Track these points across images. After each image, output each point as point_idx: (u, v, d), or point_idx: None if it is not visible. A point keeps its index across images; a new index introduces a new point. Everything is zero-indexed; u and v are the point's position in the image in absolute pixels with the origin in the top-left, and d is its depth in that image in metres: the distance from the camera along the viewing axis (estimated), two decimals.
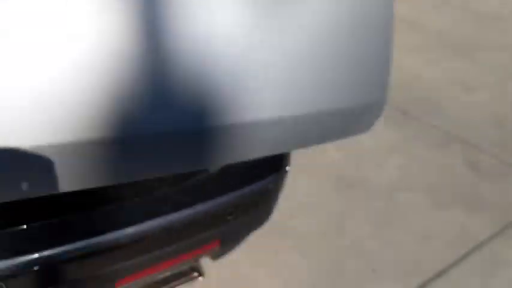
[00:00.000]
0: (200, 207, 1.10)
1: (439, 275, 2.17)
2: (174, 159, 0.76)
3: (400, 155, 2.96)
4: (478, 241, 2.37)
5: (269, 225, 2.28)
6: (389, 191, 2.63)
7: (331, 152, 2.92)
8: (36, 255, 0.91)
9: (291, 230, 2.30)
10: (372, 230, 2.36)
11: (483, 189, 2.73)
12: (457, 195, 2.67)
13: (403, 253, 2.25)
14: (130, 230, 1.01)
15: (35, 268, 0.91)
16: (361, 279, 2.09)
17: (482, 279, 2.15)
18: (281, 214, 2.38)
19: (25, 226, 0.91)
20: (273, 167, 1.28)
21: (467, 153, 3.03)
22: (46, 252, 0.92)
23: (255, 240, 2.19)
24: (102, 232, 0.98)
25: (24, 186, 0.67)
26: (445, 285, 2.11)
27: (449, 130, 3.24)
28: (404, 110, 3.44)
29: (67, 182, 0.70)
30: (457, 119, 3.40)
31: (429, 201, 2.59)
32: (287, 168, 1.33)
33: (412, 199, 2.60)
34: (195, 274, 1.34)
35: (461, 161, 2.96)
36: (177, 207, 1.07)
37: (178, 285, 1.33)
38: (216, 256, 1.39)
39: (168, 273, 1.24)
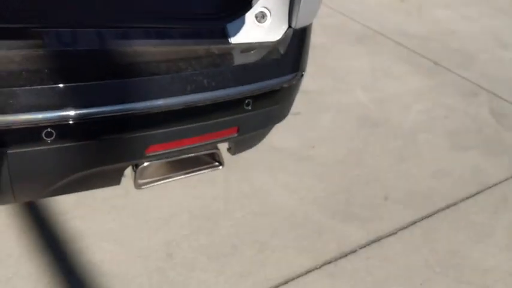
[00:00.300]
0: (221, 93, 1.27)
1: (449, 207, 2.28)
2: None
3: (426, 101, 3.03)
4: (491, 182, 2.46)
5: (290, 153, 2.45)
6: (410, 132, 2.74)
7: (358, 92, 3.03)
8: (80, 111, 1.11)
9: (311, 158, 2.45)
10: (389, 164, 2.48)
11: (505, 137, 2.79)
12: (478, 140, 2.74)
13: (416, 185, 2.37)
14: (160, 102, 1.19)
15: (78, 121, 1.11)
16: (373, 204, 2.24)
17: (490, 216, 2.26)
18: (303, 144, 2.53)
19: (75, 84, 1.10)
20: (290, 69, 1.43)
21: (493, 104, 3.07)
22: (88, 110, 1.11)
23: (276, 163, 2.36)
24: (136, 99, 1.16)
25: None
26: (453, 217, 2.23)
27: (479, 82, 3.28)
28: (436, 60, 3.48)
29: None
30: (488, 72, 3.42)
31: (448, 143, 2.69)
32: (303, 72, 1.47)
33: (431, 140, 2.70)
34: (216, 163, 1.52)
35: (487, 111, 3.01)
36: (201, 89, 1.24)
37: (201, 171, 1.52)
38: (235, 150, 1.56)
39: (191, 155, 1.42)
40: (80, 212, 1.93)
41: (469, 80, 3.30)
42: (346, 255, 1.96)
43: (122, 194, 2.03)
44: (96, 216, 1.93)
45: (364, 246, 2.02)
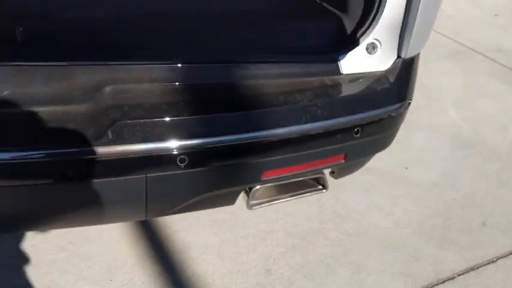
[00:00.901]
0: (333, 122, 1.32)
1: None
2: None
3: None
4: None
5: (383, 173, 2.45)
6: (507, 155, 2.64)
7: (451, 112, 2.96)
8: (210, 139, 1.21)
9: (405, 179, 2.44)
10: (485, 187, 2.41)
11: None
12: None
13: None
14: (278, 131, 1.26)
15: (208, 148, 1.21)
16: (471, 230, 2.18)
17: None
18: (397, 165, 2.52)
19: (206, 116, 1.20)
20: (397, 98, 1.46)
21: None
22: (217, 139, 1.22)
23: (369, 184, 2.37)
24: (256, 129, 1.25)
25: None
26: None
27: None
28: None
29: None
30: None
31: None
32: (409, 101, 1.49)
33: None
34: (320, 187, 1.58)
35: None
36: (315, 118, 1.30)
37: (306, 193, 1.58)
38: (338, 174, 1.61)
39: (298, 180, 1.49)
40: (185, 226, 2.06)
41: None
42: (443, 282, 1.94)
43: (221, 209, 2.14)
44: (199, 230, 2.05)
45: (462, 274, 1.98)
